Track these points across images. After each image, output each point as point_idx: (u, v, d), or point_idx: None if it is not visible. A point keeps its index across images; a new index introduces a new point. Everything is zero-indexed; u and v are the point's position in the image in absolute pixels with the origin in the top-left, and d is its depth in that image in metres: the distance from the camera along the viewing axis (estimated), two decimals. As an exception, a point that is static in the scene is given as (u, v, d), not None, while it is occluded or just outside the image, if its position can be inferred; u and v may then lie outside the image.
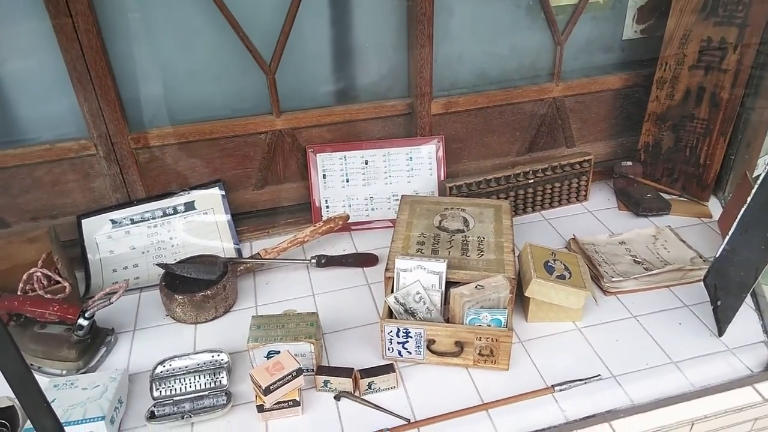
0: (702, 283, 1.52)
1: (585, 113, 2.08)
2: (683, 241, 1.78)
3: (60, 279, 1.55)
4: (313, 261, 1.74)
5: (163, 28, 1.64)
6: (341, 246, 1.86)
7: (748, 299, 1.54)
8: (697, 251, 1.72)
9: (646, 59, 2.01)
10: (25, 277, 1.53)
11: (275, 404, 1.25)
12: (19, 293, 1.52)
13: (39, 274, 1.54)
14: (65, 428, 0.95)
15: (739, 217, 1.37)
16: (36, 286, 1.53)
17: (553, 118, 2.05)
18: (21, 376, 0.88)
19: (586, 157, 1.98)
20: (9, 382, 0.87)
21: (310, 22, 1.73)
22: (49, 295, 1.51)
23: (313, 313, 1.44)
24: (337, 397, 1.33)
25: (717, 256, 1.43)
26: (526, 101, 1.99)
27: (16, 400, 1.27)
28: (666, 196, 1.98)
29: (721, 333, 1.45)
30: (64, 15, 1.49)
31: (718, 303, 1.45)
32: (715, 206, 1.96)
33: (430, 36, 1.76)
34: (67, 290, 1.53)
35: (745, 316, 1.50)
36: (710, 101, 1.86)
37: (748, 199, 1.35)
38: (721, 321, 1.45)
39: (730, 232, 1.39)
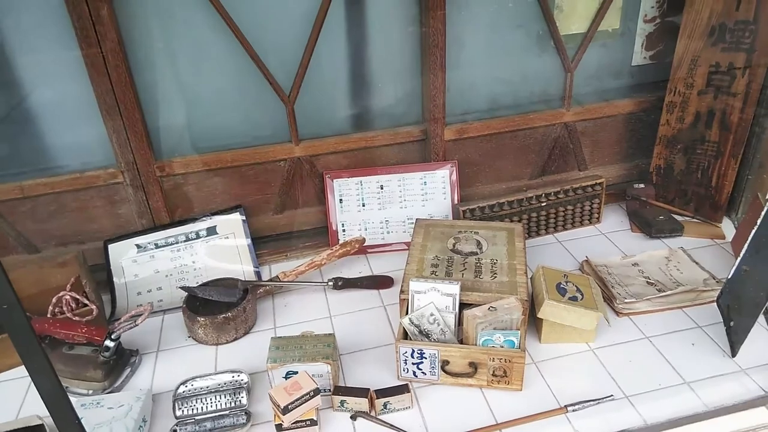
0: (715, 304, 1.53)
1: (596, 137, 2.12)
2: (696, 263, 1.79)
3: (87, 302, 1.61)
4: (330, 283, 1.79)
5: (188, 61, 1.72)
6: (357, 269, 1.90)
7: (761, 319, 1.55)
8: (710, 272, 1.73)
9: (655, 83, 2.05)
10: (54, 300, 1.60)
11: (293, 423, 1.29)
12: (49, 316, 1.58)
13: (68, 297, 1.60)
14: (94, 445, 1.00)
15: (750, 237, 1.38)
16: (65, 308, 1.60)
17: (564, 142, 2.09)
18: (55, 394, 0.93)
19: (598, 180, 2.01)
20: (43, 399, 0.92)
21: (327, 53, 1.80)
22: (77, 318, 1.57)
23: (330, 334, 1.48)
24: (353, 417, 1.36)
25: (730, 277, 1.45)
26: (538, 126, 2.03)
27: (46, 419, 1.32)
28: (678, 218, 2.00)
29: (734, 353, 1.46)
30: (96, 49, 1.57)
31: (731, 324, 1.46)
32: (728, 227, 1.97)
33: (443, 65, 1.82)
34: (94, 312, 1.59)
35: (758, 336, 1.50)
36: (720, 124, 1.89)
37: (759, 220, 1.37)
38: (734, 342, 1.46)
39: (742, 253, 1.40)
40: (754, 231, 1.38)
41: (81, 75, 1.62)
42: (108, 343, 1.47)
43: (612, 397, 1.36)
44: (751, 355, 1.45)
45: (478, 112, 2.00)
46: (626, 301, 1.62)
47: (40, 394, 0.91)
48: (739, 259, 1.42)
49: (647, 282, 1.71)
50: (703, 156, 1.95)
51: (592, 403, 1.34)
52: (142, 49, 1.66)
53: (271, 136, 1.88)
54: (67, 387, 1.48)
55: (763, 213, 1.36)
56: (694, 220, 2.02)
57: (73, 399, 1.38)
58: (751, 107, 1.82)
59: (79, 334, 1.49)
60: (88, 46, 1.57)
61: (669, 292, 1.63)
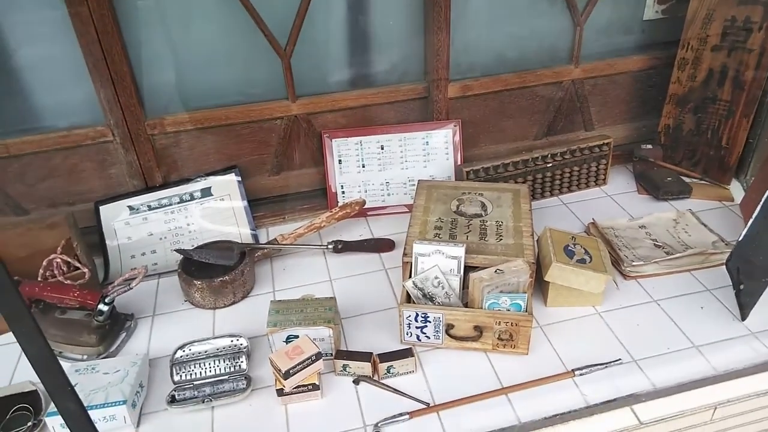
0: (724, 267, 1.49)
1: (604, 96, 2.05)
2: (704, 225, 1.75)
3: (79, 265, 1.55)
4: (330, 246, 1.74)
5: (179, 13, 1.63)
6: (357, 231, 1.85)
7: (772, 283, 1.51)
8: (718, 235, 1.70)
9: (667, 41, 1.97)
10: (45, 263, 1.54)
11: (295, 388, 1.26)
12: (39, 279, 1.53)
13: (59, 260, 1.55)
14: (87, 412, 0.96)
15: (763, 200, 1.34)
16: (56, 272, 1.54)
17: (571, 101, 2.02)
18: (45, 360, 0.88)
19: (605, 141, 1.95)
20: (33, 365, 0.88)
21: (325, 5, 1.71)
22: (69, 281, 1.52)
23: (331, 298, 1.44)
24: (356, 381, 1.33)
25: (739, 240, 1.41)
26: (545, 84, 1.96)
27: (39, 385, 1.28)
28: (686, 180, 1.95)
29: (744, 317, 1.43)
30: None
31: (741, 287, 1.43)
32: (736, 189, 1.93)
33: (448, 19, 1.73)
34: (86, 276, 1.53)
35: (769, 300, 1.48)
36: (733, 82, 1.82)
37: (774, 181, 1.33)
38: (744, 305, 1.43)
39: (754, 216, 1.36)
40: (767, 194, 1.33)
41: (65, 28, 1.53)
42: (101, 307, 1.42)
43: (620, 361, 1.34)
44: (761, 319, 1.42)
45: (482, 68, 1.92)
46: (634, 264, 1.58)
47: (29, 359, 0.86)
48: (749, 222, 1.38)
49: (655, 245, 1.67)
50: (714, 116, 1.89)
51: (599, 367, 1.32)
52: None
53: (266, 93, 1.80)
54: (60, 352, 1.44)
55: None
56: (703, 182, 1.97)
57: (67, 364, 1.36)
58: (766, 65, 1.75)
59: (72, 298, 1.44)
60: (72, -3, 1.48)
61: (677, 255, 1.60)
